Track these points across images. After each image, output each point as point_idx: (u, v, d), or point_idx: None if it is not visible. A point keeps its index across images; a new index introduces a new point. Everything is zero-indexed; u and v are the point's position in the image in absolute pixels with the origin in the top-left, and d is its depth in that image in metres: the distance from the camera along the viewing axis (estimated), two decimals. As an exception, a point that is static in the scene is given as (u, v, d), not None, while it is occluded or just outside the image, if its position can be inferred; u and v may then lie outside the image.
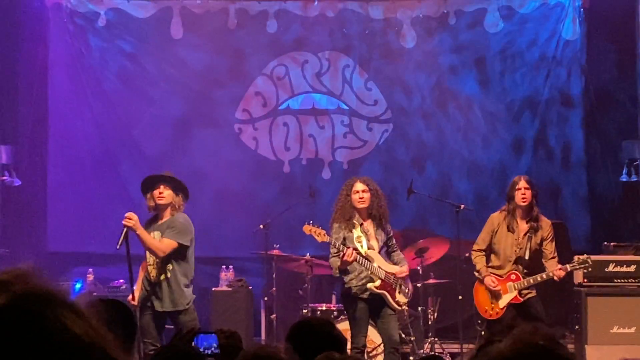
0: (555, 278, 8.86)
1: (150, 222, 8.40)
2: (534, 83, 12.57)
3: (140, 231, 8.04)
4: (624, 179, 11.80)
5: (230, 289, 10.83)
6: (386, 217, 8.45)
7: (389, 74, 12.65)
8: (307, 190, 10.70)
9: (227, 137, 12.47)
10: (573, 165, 12.53)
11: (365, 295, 8.28)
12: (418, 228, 12.01)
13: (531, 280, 8.85)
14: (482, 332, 9.47)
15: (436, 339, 10.28)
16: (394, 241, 8.60)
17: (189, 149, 12.39)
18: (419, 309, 10.36)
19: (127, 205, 12.22)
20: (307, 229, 8.31)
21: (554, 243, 9.03)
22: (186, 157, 12.35)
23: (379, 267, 8.29)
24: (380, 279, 8.26)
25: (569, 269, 8.96)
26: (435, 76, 12.61)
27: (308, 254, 10.21)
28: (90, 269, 11.18)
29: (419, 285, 10.09)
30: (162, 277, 8.20)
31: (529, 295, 8.95)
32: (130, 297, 8.15)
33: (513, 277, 8.91)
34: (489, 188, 12.43)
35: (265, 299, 10.78)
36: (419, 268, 10.25)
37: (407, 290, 8.50)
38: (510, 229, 8.91)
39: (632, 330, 9.43)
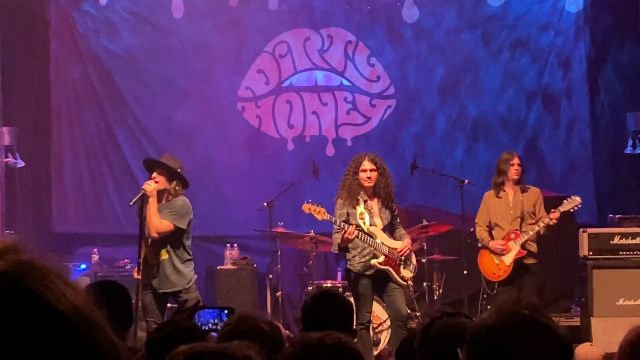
0: (551, 222, 9.12)
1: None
2: (538, 56, 12.52)
3: (153, 200, 8.14)
4: (629, 151, 11.76)
5: (235, 267, 10.84)
6: (392, 196, 8.42)
7: (391, 49, 12.60)
8: (310, 167, 10.67)
9: (230, 116, 12.44)
10: (578, 138, 12.50)
11: (369, 272, 8.26)
12: (422, 204, 12.00)
13: (530, 232, 9.09)
14: (488, 307, 9.47)
15: (442, 314, 10.26)
16: (398, 219, 8.59)
17: (192, 127, 12.37)
18: (424, 284, 10.36)
19: (131, 185, 12.29)
20: (307, 207, 8.30)
21: (543, 208, 9.28)
22: (189, 136, 12.33)
23: (382, 243, 8.27)
24: (384, 254, 8.25)
25: (561, 210, 9.19)
26: (438, 51, 12.56)
27: (312, 231, 10.20)
28: (95, 250, 11.19)
29: (423, 260, 10.08)
30: (159, 258, 8.23)
31: (529, 261, 9.11)
32: (135, 270, 8.30)
33: (512, 235, 9.16)
34: (491, 164, 12.38)
35: (270, 276, 10.78)
36: (423, 244, 10.24)
37: (412, 265, 8.49)
38: (498, 196, 9.26)
39: (638, 302, 9.43)
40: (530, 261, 9.15)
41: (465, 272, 9.97)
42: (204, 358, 1.83)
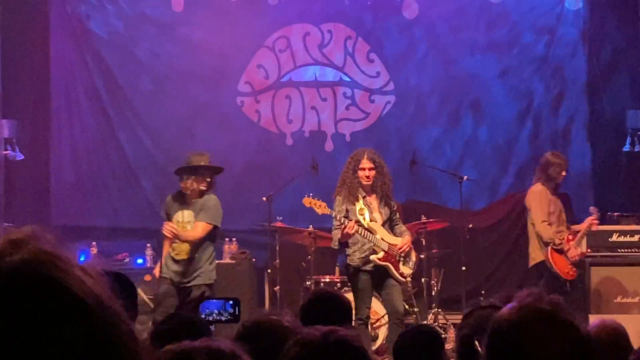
0: (593, 228, 9.39)
1: (178, 199, 8.70)
2: (538, 52, 12.53)
3: (183, 236, 8.58)
4: (627, 149, 11.78)
5: (233, 261, 10.85)
6: (390, 192, 8.44)
7: (391, 45, 12.61)
8: (309, 162, 10.67)
9: (230, 110, 12.45)
10: (577, 135, 12.51)
11: (368, 268, 8.28)
12: (421, 199, 12.01)
13: (583, 233, 9.19)
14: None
15: (440, 310, 10.29)
16: (398, 215, 8.60)
17: (190, 121, 12.37)
18: (423, 280, 10.37)
19: (129, 178, 12.31)
20: (307, 201, 8.32)
21: None
22: (188, 130, 12.33)
23: (381, 239, 8.28)
24: (384, 250, 8.26)
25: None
26: (438, 46, 12.56)
27: (311, 226, 10.21)
28: (94, 243, 11.19)
29: (422, 256, 10.09)
30: (192, 255, 8.58)
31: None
32: (157, 269, 8.78)
33: (570, 237, 9.23)
34: (491, 160, 12.43)
35: (269, 271, 10.79)
36: (422, 239, 10.25)
37: (411, 262, 8.50)
38: (553, 194, 9.37)
39: (636, 299, 9.45)
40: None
41: (463, 268, 10.00)
42: (192, 355, 1.84)
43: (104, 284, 1.24)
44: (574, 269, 9.24)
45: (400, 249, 8.33)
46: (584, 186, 12.35)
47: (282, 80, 12.60)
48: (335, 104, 12.60)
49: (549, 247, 9.34)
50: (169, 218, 8.76)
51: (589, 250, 9.67)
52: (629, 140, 11.83)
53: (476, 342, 2.24)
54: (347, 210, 8.28)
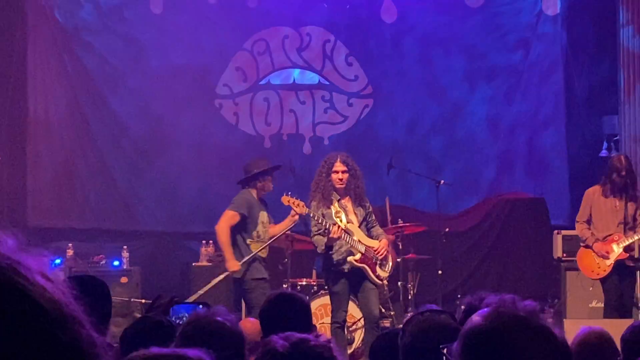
0: None
1: (256, 200, 8.99)
2: (516, 57, 12.58)
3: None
4: (604, 154, 11.83)
5: (210, 263, 10.82)
6: (363, 195, 8.44)
7: (370, 49, 12.63)
8: (287, 165, 10.66)
9: (208, 112, 12.43)
10: (553, 141, 12.57)
11: (345, 269, 8.27)
12: (398, 204, 12.02)
13: (635, 236, 8.99)
14: (462, 307, 9.50)
15: (416, 314, 10.28)
16: (373, 217, 8.59)
17: (168, 123, 12.34)
18: (399, 283, 10.38)
19: (106, 180, 12.25)
20: (286, 199, 8.34)
21: None
22: (166, 132, 12.31)
23: (359, 240, 8.28)
24: (361, 252, 8.26)
25: None
26: (416, 51, 12.60)
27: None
28: (70, 244, 11.13)
29: (398, 260, 10.10)
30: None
31: (630, 263, 9.07)
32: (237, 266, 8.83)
33: (616, 237, 9.03)
34: (467, 163, 12.47)
35: (246, 274, 10.75)
36: (398, 243, 10.26)
37: (388, 265, 8.48)
38: (606, 196, 9.11)
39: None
40: (630, 263, 9.10)
41: (439, 272, 10.02)
42: None
43: (66, 289, 1.23)
44: (605, 270, 9.01)
45: (377, 251, 8.32)
46: (561, 191, 12.42)
47: (260, 83, 12.59)
48: (313, 107, 12.61)
49: (584, 246, 9.32)
50: (254, 218, 8.87)
51: (564, 255, 9.68)
52: (605, 145, 11.90)
53: (444, 351, 2.22)
54: (322, 215, 8.28)
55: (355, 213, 8.36)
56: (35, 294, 1.16)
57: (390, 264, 8.56)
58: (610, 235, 9.03)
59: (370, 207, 8.54)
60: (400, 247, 10.29)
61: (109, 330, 4.25)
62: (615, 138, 11.89)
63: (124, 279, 10.51)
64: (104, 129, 12.34)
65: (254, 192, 8.98)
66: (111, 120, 12.34)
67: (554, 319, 10.10)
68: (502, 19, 12.59)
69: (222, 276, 9.05)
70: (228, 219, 8.85)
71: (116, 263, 10.81)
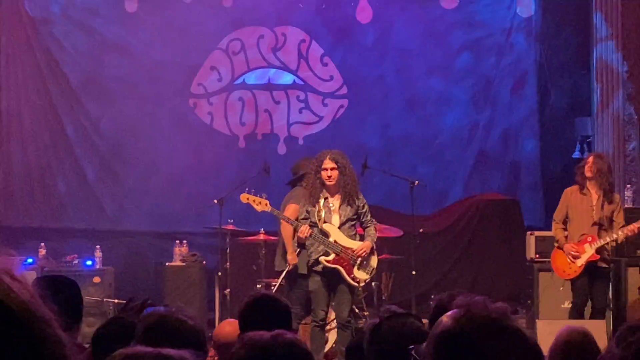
0: (630, 234, 9.00)
1: None
2: (489, 59, 12.62)
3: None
4: (577, 156, 11.89)
5: (183, 263, 10.79)
6: (354, 193, 8.32)
7: (345, 49, 12.64)
8: (262, 165, 10.65)
9: (182, 112, 12.39)
10: (526, 142, 12.63)
11: (319, 269, 8.26)
12: (373, 204, 12.01)
13: (607, 239, 8.97)
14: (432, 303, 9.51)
15: (390, 314, 10.29)
16: (369, 217, 8.42)
17: (143, 122, 12.30)
18: (373, 284, 10.37)
19: (79, 178, 12.19)
20: (245, 197, 8.34)
21: (622, 214, 9.12)
22: (140, 131, 12.27)
23: (334, 241, 8.23)
24: (336, 253, 8.22)
25: None
26: (391, 51, 12.62)
27: (262, 229, 10.18)
28: (43, 244, 11.05)
29: (372, 260, 10.09)
30: None
31: (602, 264, 9.04)
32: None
33: (589, 239, 9.01)
34: (445, 165, 12.50)
35: (219, 274, 10.73)
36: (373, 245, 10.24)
37: (369, 267, 8.36)
38: (582, 192, 9.11)
39: (583, 305, 9.51)
40: (603, 264, 9.06)
41: (413, 272, 10.02)
42: None
43: (33, 290, 1.22)
44: (576, 271, 8.99)
45: (355, 252, 8.25)
46: (534, 192, 12.47)
47: (235, 83, 12.57)
48: (288, 107, 12.60)
49: (556, 246, 9.34)
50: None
51: (537, 256, 9.71)
52: (578, 147, 11.96)
53: (413, 353, 2.22)
54: (307, 212, 8.27)
55: (339, 213, 8.29)
56: (2, 295, 1.15)
57: (373, 265, 8.43)
58: (584, 235, 9.07)
59: (366, 207, 8.42)
60: (375, 247, 10.28)
61: (81, 331, 4.24)
62: (588, 140, 11.95)
63: (96, 279, 10.45)
64: (77, 127, 12.27)
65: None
66: (84, 118, 12.28)
67: (527, 319, 10.16)
68: (476, 19, 12.62)
69: (284, 272, 9.10)
70: (293, 212, 8.83)
71: (89, 263, 10.75)
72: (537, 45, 12.58)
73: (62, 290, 4.08)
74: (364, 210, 8.38)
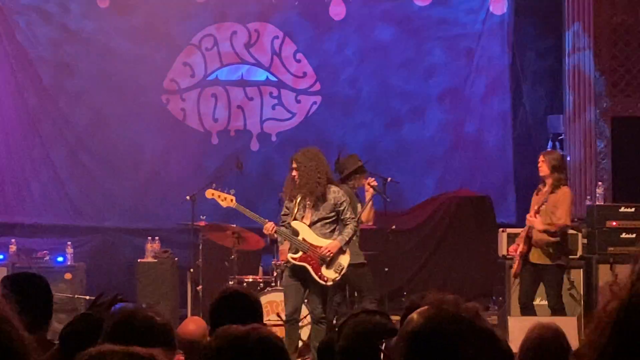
0: (551, 229, 9.05)
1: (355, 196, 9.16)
2: (462, 57, 12.65)
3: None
4: (549, 153, 11.94)
5: (155, 260, 10.75)
6: (315, 191, 8.24)
7: (318, 45, 12.63)
8: (234, 161, 10.63)
9: (154, 108, 12.34)
10: (499, 140, 12.66)
11: (289, 265, 8.30)
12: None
13: (521, 231, 9.13)
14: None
15: (362, 311, 10.30)
16: (348, 214, 8.31)
17: (115, 118, 12.24)
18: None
19: (50, 174, 12.12)
20: (210, 193, 8.35)
21: (562, 209, 9.10)
22: (112, 127, 12.21)
23: (303, 239, 8.23)
24: (303, 251, 8.22)
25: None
26: (365, 48, 12.62)
27: (235, 225, 10.16)
28: (13, 240, 10.98)
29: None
30: None
31: (546, 262, 9.07)
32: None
33: (522, 233, 9.18)
34: (417, 162, 12.53)
35: (191, 270, 10.71)
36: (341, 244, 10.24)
37: (339, 267, 8.32)
38: (538, 189, 9.32)
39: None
40: (547, 262, 9.05)
41: (386, 269, 10.04)
42: (108, 358, 1.81)
43: None
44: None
45: (321, 251, 8.22)
46: (506, 190, 12.52)
47: (208, 79, 12.54)
48: (261, 103, 12.58)
49: None
50: (354, 210, 8.76)
51: (509, 252, 9.74)
52: (550, 144, 12.01)
53: (382, 349, 2.21)
54: (287, 208, 8.30)
55: (311, 211, 8.28)
56: None
57: (344, 265, 8.36)
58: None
59: (344, 204, 8.33)
60: (343, 247, 10.28)
61: (51, 328, 4.21)
62: (560, 137, 12.01)
63: (68, 275, 10.39)
64: (47, 121, 12.21)
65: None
66: (55, 112, 12.22)
67: (499, 316, 10.20)
68: (449, 17, 12.64)
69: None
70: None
71: (60, 259, 10.69)
72: (510, 45, 12.61)
73: (31, 287, 4.05)
74: (342, 208, 8.30)
